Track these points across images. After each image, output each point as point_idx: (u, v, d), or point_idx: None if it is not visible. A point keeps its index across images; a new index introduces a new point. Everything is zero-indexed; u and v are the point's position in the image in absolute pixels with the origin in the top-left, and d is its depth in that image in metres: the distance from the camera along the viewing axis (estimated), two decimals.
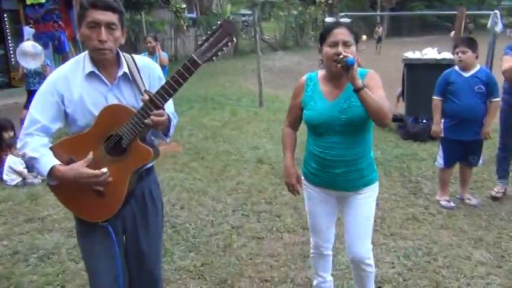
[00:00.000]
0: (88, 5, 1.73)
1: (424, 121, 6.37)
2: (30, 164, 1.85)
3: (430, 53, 6.78)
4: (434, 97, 4.12)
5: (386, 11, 30.63)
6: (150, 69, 1.96)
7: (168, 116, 1.83)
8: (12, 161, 5.03)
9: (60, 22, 8.86)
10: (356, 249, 2.35)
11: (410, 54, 6.94)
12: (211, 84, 12.80)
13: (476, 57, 3.96)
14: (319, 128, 2.24)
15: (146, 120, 1.73)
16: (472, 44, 3.93)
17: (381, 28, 24.40)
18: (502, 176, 4.46)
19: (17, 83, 9.92)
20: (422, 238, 3.56)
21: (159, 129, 1.83)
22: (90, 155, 1.78)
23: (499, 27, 6.20)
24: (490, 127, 3.96)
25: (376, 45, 22.11)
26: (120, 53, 1.89)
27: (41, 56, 6.78)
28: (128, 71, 1.86)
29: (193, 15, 23.17)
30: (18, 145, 1.86)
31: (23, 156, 1.87)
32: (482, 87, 3.89)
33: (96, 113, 1.81)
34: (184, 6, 20.88)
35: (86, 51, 1.85)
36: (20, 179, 5.04)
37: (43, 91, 1.84)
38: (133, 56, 1.96)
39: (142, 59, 1.98)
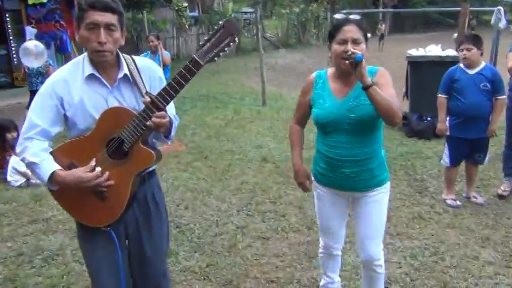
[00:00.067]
0: (86, 6, 1.70)
1: (429, 119, 6.32)
2: (30, 169, 1.82)
3: (434, 50, 6.70)
4: (439, 95, 4.08)
5: (389, 8, 30.52)
6: (150, 71, 1.92)
7: (170, 118, 1.80)
8: (15, 161, 5.01)
9: (62, 22, 8.86)
10: (368, 250, 2.32)
11: (414, 52, 6.87)
12: (213, 82, 12.76)
13: (481, 54, 3.93)
14: (327, 127, 2.21)
15: (148, 123, 1.70)
16: (477, 41, 3.89)
17: (383, 25, 24.34)
18: (508, 174, 4.42)
19: (20, 83, 9.92)
20: (429, 237, 3.52)
21: (161, 131, 1.79)
22: (93, 162, 1.75)
23: (502, 24, 6.16)
24: (496, 124, 3.92)
25: (378, 43, 22.07)
26: (120, 54, 1.86)
27: (43, 55, 6.78)
28: (128, 73, 1.83)
29: (195, 14, 23.17)
30: (18, 149, 1.83)
31: (22, 161, 1.83)
32: (488, 84, 3.85)
33: (97, 116, 1.78)
34: (186, 4, 20.90)
35: (85, 53, 1.82)
36: (23, 179, 5.04)
37: (42, 94, 1.81)
38: (134, 57, 1.93)
39: (142, 60, 1.95)
